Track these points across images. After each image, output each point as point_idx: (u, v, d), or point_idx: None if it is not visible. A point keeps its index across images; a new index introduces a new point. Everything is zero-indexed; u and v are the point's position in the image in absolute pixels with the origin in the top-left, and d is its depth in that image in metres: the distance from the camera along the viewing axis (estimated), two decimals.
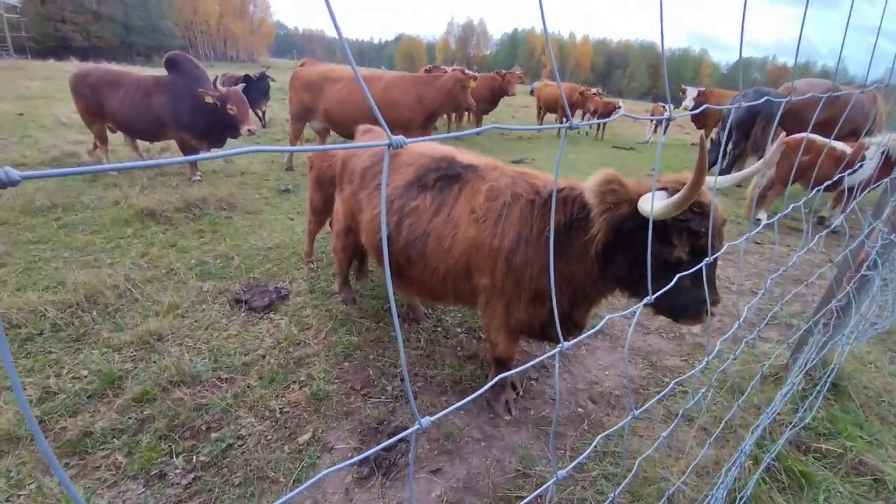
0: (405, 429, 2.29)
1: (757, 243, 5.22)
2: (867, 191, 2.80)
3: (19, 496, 1.86)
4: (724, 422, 1.81)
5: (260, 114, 9.83)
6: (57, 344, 2.68)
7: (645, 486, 1.87)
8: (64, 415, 2.23)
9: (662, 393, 1.20)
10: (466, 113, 11.54)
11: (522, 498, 1.91)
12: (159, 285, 3.30)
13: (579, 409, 2.42)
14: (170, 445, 2.09)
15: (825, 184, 2.12)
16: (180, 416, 2.23)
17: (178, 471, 1.99)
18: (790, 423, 1.92)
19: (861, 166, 4.65)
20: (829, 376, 2.15)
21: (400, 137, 0.50)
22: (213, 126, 5.29)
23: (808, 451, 1.97)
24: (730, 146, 7.75)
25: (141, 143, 6.21)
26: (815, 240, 1.86)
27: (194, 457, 2.05)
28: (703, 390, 2.27)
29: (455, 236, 2.04)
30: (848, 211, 2.22)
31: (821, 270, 2.05)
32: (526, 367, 0.93)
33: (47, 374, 2.45)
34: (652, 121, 12.67)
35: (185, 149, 5.29)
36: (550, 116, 13.32)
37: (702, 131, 12.14)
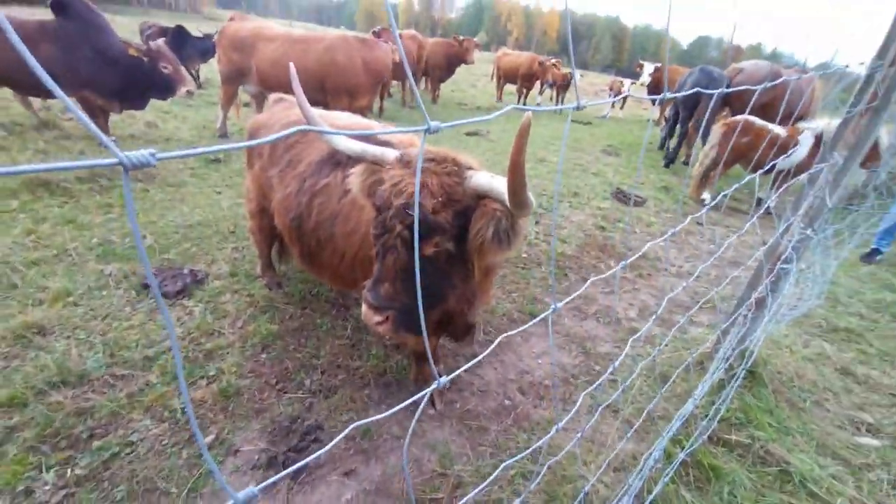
0: (320, 427, 2.13)
1: (699, 224, 5.33)
2: (800, 176, 2.82)
3: None
4: (644, 413, 1.78)
5: (193, 73, 8.94)
6: None
7: (562, 485, 1.83)
8: None
9: (588, 390, 1.10)
10: (424, 79, 11.05)
11: (437, 500, 1.82)
12: (47, 268, 2.89)
13: (506, 402, 2.34)
14: (39, 458, 1.82)
15: (763, 167, 2.07)
16: (55, 424, 1.95)
17: (46, 487, 1.74)
18: (706, 416, 1.92)
19: (794, 150, 4.78)
20: (744, 366, 2.16)
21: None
22: (128, 85, 4.65)
23: (720, 443, 1.99)
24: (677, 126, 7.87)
25: (36, 101, 5.41)
26: (747, 224, 1.80)
27: (68, 470, 1.80)
28: (626, 382, 2.25)
29: (360, 218, 1.83)
30: (778, 194, 2.19)
31: (756, 254, 2.02)
32: (411, 400, 0.78)
33: None
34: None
35: (90, 109, 4.61)
36: (511, 87, 13.02)
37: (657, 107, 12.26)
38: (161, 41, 4.80)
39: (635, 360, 2.74)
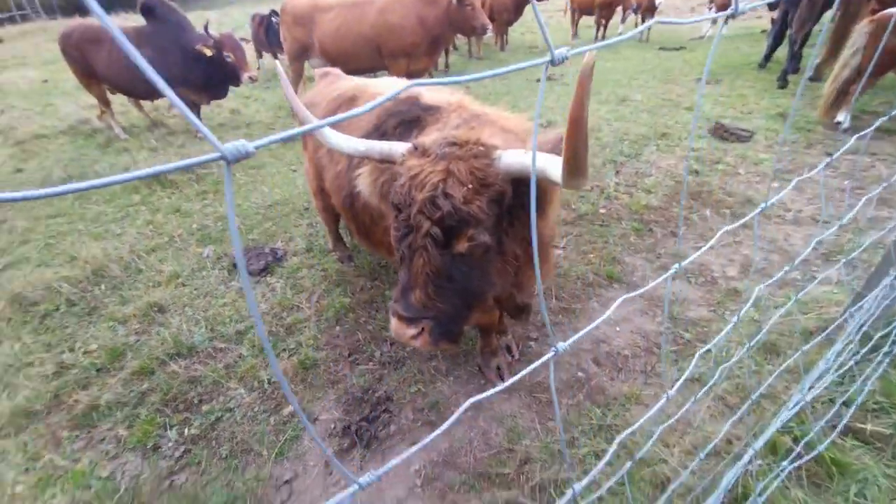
0: (389, 398, 2.20)
1: (829, 154, 4.37)
2: None
3: (35, 468, 1.99)
4: (751, 395, 1.52)
5: (280, 57, 9.35)
6: (71, 319, 2.80)
7: (640, 468, 1.67)
8: (76, 388, 2.35)
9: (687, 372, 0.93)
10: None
11: (504, 475, 1.79)
12: (162, 254, 3.32)
13: (580, 374, 2.19)
14: (164, 419, 2.15)
15: None
16: (173, 390, 2.27)
17: (171, 443, 2.05)
18: (830, 400, 1.59)
19: None
20: (893, 339, 1.73)
21: None
22: (211, 77, 5.02)
23: (849, 433, 1.63)
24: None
25: (146, 103, 6.10)
26: None
27: (186, 429, 2.10)
28: (729, 362, 1.94)
29: None
30: None
31: None
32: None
33: (62, 349, 2.58)
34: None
35: (185, 105, 5.11)
36: (587, 20, 11.58)
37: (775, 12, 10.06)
38: (228, 32, 5.03)
39: (735, 326, 2.38)
